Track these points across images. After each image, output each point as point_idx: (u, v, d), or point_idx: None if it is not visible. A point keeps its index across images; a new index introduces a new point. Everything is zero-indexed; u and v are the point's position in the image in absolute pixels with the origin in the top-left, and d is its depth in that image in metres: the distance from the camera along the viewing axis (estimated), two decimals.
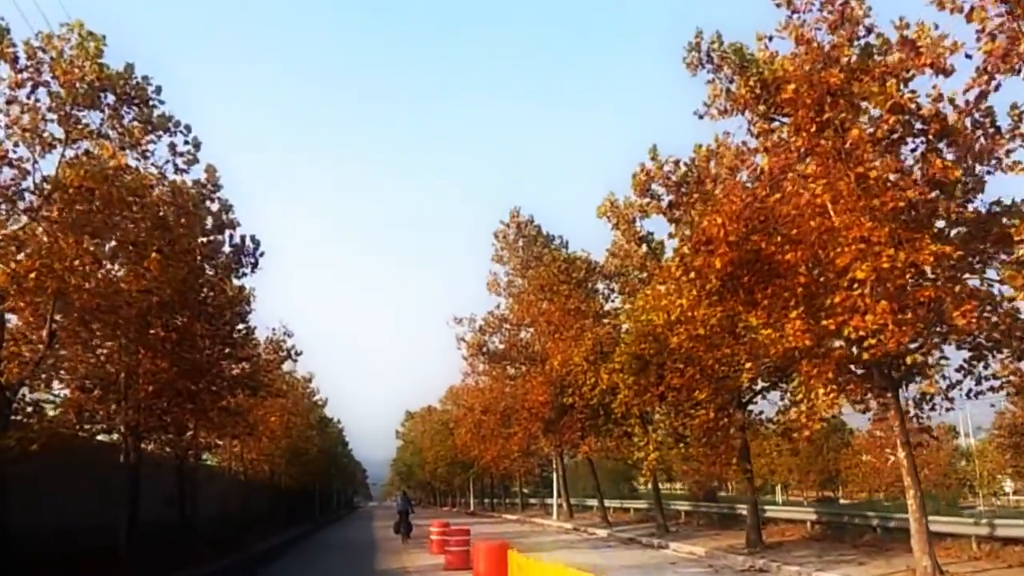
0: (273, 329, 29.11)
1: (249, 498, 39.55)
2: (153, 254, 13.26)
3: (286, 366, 43.80)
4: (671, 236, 17.64)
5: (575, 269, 28.47)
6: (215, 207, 16.00)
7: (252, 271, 24.80)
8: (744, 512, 28.28)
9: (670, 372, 20.73)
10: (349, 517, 76.80)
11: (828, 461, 70.93)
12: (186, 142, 14.99)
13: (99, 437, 22.36)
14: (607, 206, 19.34)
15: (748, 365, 14.13)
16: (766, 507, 27.06)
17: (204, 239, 17.49)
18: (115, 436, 21.63)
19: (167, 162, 15.03)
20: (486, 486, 77.80)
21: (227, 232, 19.10)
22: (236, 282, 23.93)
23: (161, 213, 13.97)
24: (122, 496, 19.97)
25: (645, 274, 25.90)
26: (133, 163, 14.63)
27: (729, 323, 14.47)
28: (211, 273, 22.90)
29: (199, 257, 22.38)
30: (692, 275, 14.04)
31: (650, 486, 71.09)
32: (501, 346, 38.78)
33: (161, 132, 14.81)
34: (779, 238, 12.90)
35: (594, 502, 49.70)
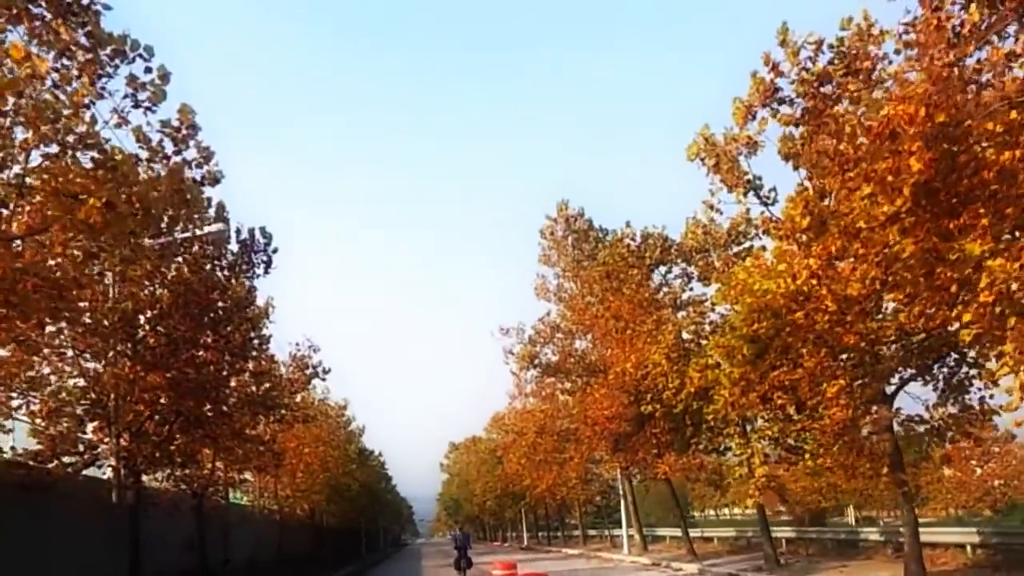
0: (296, 344, 25.16)
1: (286, 539, 35.57)
2: (92, 200, 9.30)
3: (317, 391, 40.01)
4: (800, 163, 13.24)
5: (648, 248, 24.15)
6: (191, 154, 11.97)
7: (265, 271, 20.99)
8: (871, 537, 23.61)
9: (785, 362, 16.39)
10: (397, 555, 72.25)
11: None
12: (148, 69, 11.00)
13: (93, 473, 18.55)
14: (700, 144, 15.10)
15: (975, 326, 9.60)
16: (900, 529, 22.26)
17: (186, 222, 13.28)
18: (105, 470, 17.80)
19: (126, 97, 11.04)
20: (540, 518, 72.91)
21: (210, 196, 15.11)
22: (248, 283, 20.19)
23: (107, 147, 9.95)
24: (123, 543, 16.30)
25: (737, 248, 21.64)
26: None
27: (924, 262, 10.13)
28: (217, 273, 19.24)
29: (197, 249, 18.78)
30: (872, 188, 9.76)
31: (707, 512, 65.06)
32: (555, 358, 34.43)
33: (118, 61, 10.93)
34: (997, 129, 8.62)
35: (665, 531, 44.91)
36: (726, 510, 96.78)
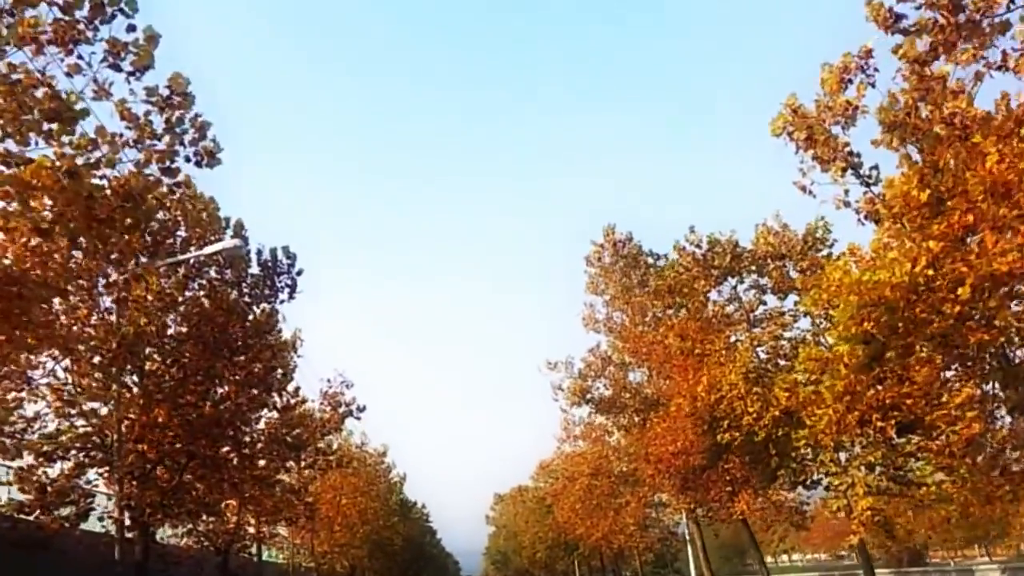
0: (328, 380, 23.00)
1: None
2: (40, 159, 7.22)
3: (354, 436, 37.79)
4: (904, 134, 10.95)
5: (716, 256, 21.49)
6: (186, 131, 9.85)
7: (290, 296, 18.96)
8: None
9: (897, 372, 13.78)
10: None
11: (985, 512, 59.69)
12: (131, 27, 8.95)
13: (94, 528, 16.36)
14: (787, 116, 12.75)
15: None
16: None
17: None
18: (106, 523, 15.65)
19: (103, 61, 8.98)
20: (594, 569, 69.02)
21: (228, 216, 12.99)
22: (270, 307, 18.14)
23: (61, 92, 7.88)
24: None
25: (817, 254, 19.13)
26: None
27: None
28: (236, 296, 17.24)
29: (214, 274, 16.80)
30: None
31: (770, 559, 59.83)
32: (607, 392, 31.73)
33: (97, 22, 8.88)
34: None
35: None
36: (785, 556, 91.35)
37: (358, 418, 23.60)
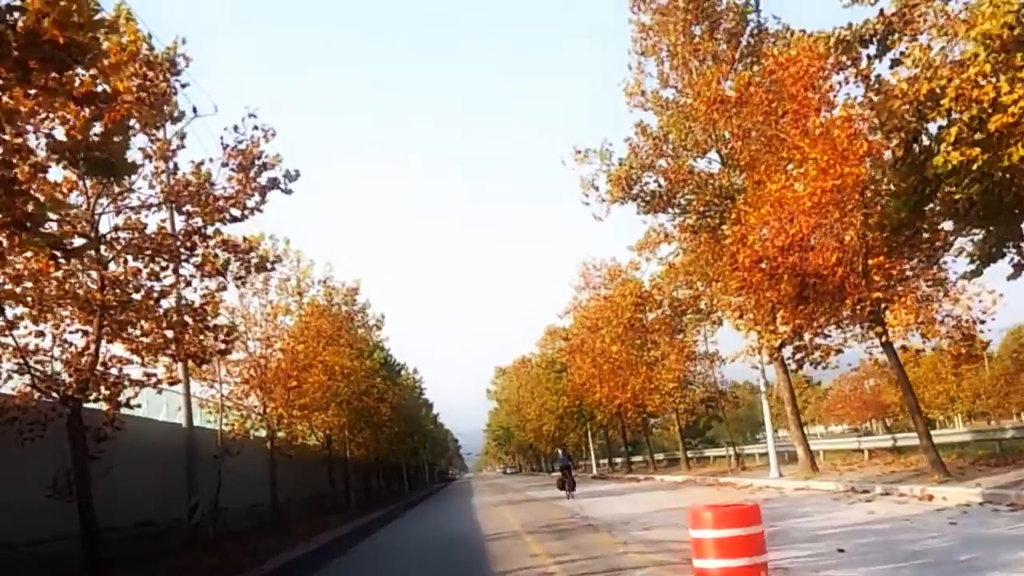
0: (235, 127, 13.58)
1: (285, 476, 25.02)
2: None
3: (315, 266, 28.64)
4: None
5: None
6: None
7: None
8: None
9: None
10: (444, 492, 61.78)
11: None
12: None
13: None
14: None
15: None
16: None
17: None
18: None
19: None
20: (612, 441, 61.68)
21: None
22: None
23: None
24: None
25: None
26: None
27: None
28: None
29: None
30: None
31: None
32: (660, 186, 22.52)
33: None
34: None
35: (823, 445, 33.37)
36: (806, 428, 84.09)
37: (288, 191, 14.28)
